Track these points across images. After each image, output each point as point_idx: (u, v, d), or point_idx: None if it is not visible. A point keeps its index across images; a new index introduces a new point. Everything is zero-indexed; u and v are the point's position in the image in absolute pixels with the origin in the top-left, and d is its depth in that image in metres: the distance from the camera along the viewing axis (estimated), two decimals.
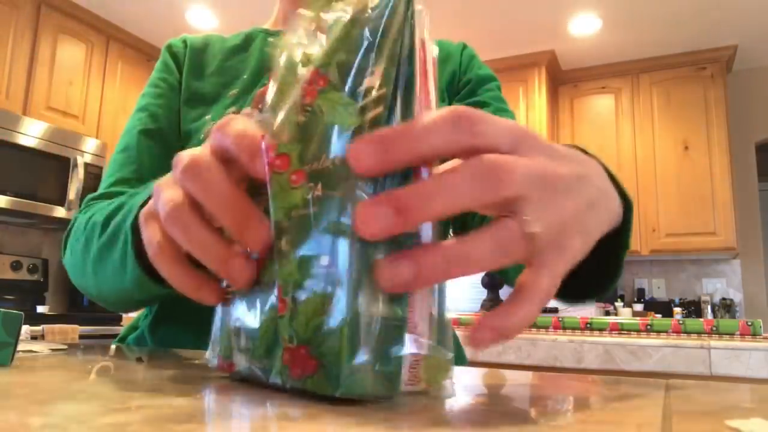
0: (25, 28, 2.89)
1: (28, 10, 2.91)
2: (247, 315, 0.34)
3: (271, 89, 0.36)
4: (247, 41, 0.85)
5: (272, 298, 0.32)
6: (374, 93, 0.29)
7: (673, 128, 3.62)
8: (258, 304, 0.33)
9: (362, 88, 0.30)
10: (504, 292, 1.49)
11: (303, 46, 0.35)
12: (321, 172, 0.30)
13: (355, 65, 0.31)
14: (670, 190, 3.56)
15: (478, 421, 0.26)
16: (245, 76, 0.80)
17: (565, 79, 3.94)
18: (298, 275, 0.30)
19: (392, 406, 0.29)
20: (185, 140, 0.78)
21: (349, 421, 0.25)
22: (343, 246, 0.28)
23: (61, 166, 2.87)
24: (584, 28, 3.39)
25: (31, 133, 2.74)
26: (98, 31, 3.28)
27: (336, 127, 0.30)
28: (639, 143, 3.68)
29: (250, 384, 0.34)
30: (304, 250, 0.30)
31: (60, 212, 2.87)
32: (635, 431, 0.24)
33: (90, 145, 3.04)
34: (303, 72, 0.34)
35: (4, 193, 2.63)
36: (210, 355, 0.37)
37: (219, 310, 0.37)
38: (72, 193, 2.91)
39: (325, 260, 0.29)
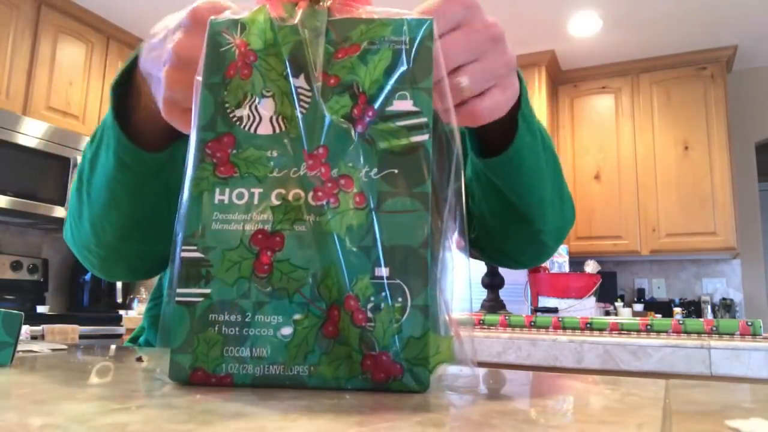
0: (25, 28, 2.88)
1: (28, 10, 2.91)
2: (264, 324, 0.34)
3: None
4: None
5: (302, 307, 0.34)
6: (415, 119, 0.36)
7: (673, 128, 3.61)
8: (282, 313, 0.34)
9: (396, 109, 0.36)
10: (504, 293, 1.49)
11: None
12: (379, 197, 0.35)
13: (389, 88, 0.36)
14: (670, 190, 3.56)
15: (478, 421, 0.26)
16: None
17: (565, 79, 3.94)
18: (371, 289, 0.34)
19: (392, 406, 0.29)
20: None
21: (349, 421, 0.25)
22: (408, 261, 0.34)
23: (61, 166, 2.87)
24: (584, 28, 3.38)
25: (31, 133, 2.74)
26: (98, 31, 3.27)
27: (386, 151, 0.36)
28: (639, 143, 3.68)
29: (249, 386, 0.34)
30: (374, 266, 0.34)
31: (60, 212, 2.86)
32: (635, 431, 0.24)
33: None
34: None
35: (4, 193, 2.63)
36: (170, 371, 0.33)
37: (182, 321, 0.34)
38: None
39: (389, 273, 0.34)
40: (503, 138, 0.53)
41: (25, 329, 2.17)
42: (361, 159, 0.36)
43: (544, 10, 3.21)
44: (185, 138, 0.51)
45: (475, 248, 0.70)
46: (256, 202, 0.35)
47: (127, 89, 0.51)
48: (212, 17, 0.38)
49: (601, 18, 3.28)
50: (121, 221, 0.57)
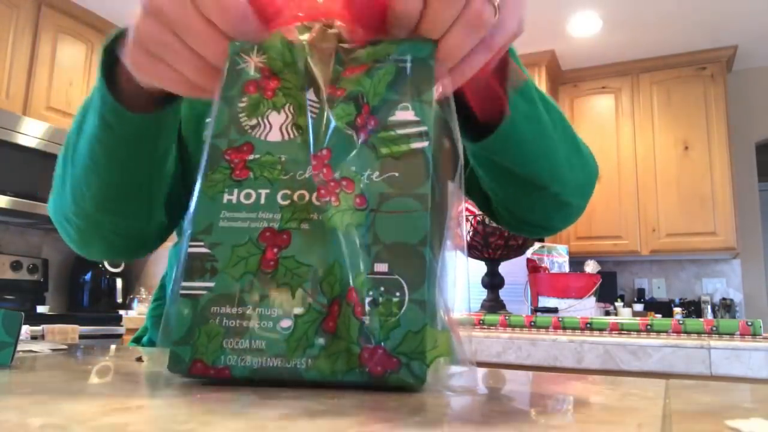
0: (25, 28, 2.89)
1: (28, 10, 2.91)
2: (265, 317, 0.34)
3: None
4: None
5: (304, 302, 0.34)
6: (415, 127, 0.37)
7: (673, 128, 3.62)
8: (284, 307, 0.34)
9: (398, 119, 0.37)
10: (504, 293, 1.49)
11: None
12: (380, 197, 0.36)
13: (392, 100, 0.38)
14: (670, 190, 3.56)
15: (478, 421, 0.26)
16: None
17: (565, 79, 3.94)
18: (370, 284, 0.34)
19: (391, 406, 0.29)
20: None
21: (349, 421, 0.25)
22: (407, 257, 0.34)
23: None
24: (584, 28, 3.38)
25: (31, 133, 2.74)
26: (98, 31, 3.27)
27: (388, 156, 0.37)
28: (639, 143, 3.68)
29: (248, 384, 0.34)
30: (373, 262, 0.35)
31: None
32: (635, 431, 0.24)
33: None
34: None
35: (4, 193, 2.63)
36: (170, 362, 0.34)
37: (185, 314, 0.34)
38: None
39: (388, 269, 0.34)
40: (496, 117, 0.52)
41: (25, 329, 2.17)
42: (363, 163, 0.37)
43: (544, 10, 3.21)
44: (174, 107, 0.51)
45: (500, 224, 0.69)
46: (263, 201, 0.37)
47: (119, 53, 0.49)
48: (231, 41, 0.40)
49: (601, 18, 3.28)
50: (99, 187, 0.57)
